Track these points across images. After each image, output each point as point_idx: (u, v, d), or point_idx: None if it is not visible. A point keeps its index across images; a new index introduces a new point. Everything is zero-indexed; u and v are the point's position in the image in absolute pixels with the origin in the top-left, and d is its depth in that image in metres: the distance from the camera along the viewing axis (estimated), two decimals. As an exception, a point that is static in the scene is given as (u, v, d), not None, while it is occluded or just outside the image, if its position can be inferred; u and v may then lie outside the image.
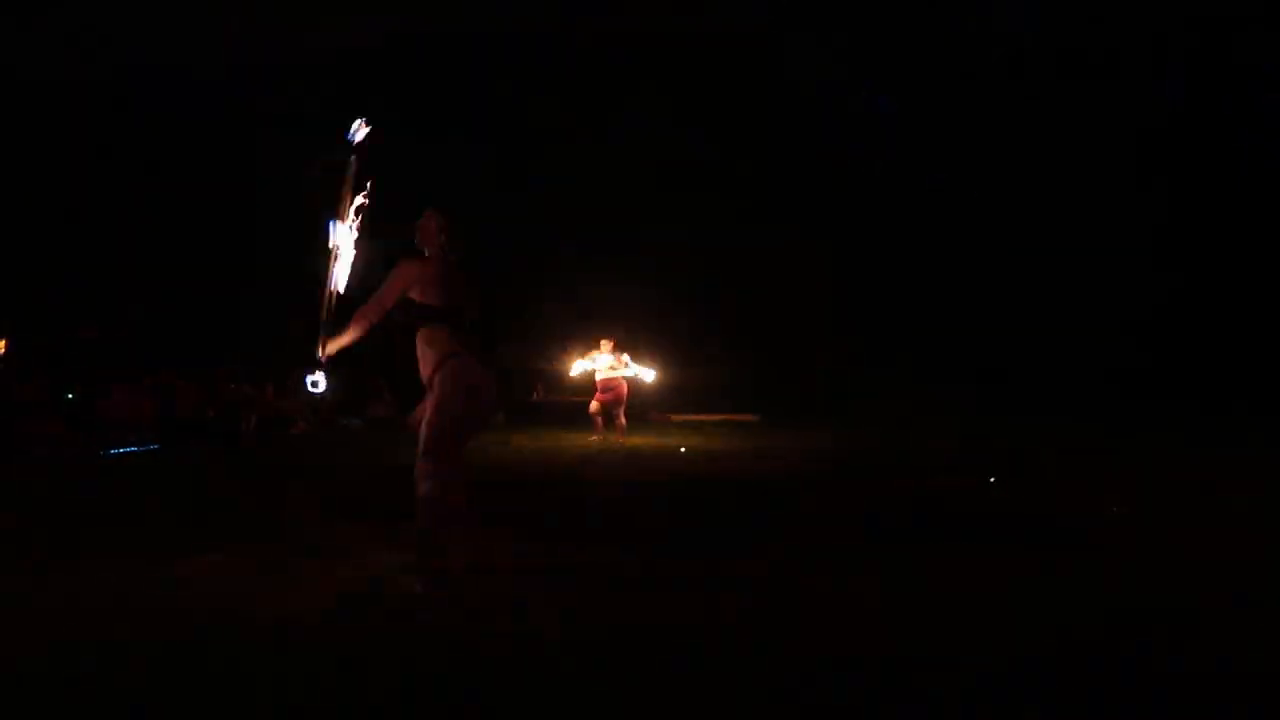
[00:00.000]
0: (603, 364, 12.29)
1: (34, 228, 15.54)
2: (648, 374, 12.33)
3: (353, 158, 4.20)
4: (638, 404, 13.74)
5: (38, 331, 12.20)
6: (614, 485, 7.62)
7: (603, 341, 12.40)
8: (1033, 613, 3.55)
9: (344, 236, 4.15)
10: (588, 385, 12.87)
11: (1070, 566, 4.35)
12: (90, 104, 16.42)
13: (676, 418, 17.62)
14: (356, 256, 4.20)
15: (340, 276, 4.14)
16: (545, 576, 4.09)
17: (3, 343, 12.28)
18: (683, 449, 10.87)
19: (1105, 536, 5.11)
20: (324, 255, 4.12)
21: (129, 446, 10.77)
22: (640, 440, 12.23)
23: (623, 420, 12.30)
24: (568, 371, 12.67)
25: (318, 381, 4.01)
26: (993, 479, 7.70)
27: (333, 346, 3.99)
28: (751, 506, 6.46)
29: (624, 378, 12.31)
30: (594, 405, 12.34)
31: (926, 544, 4.87)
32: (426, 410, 3.95)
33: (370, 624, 3.32)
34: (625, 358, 12.32)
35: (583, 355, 12.48)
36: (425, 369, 3.98)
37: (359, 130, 4.24)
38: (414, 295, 3.96)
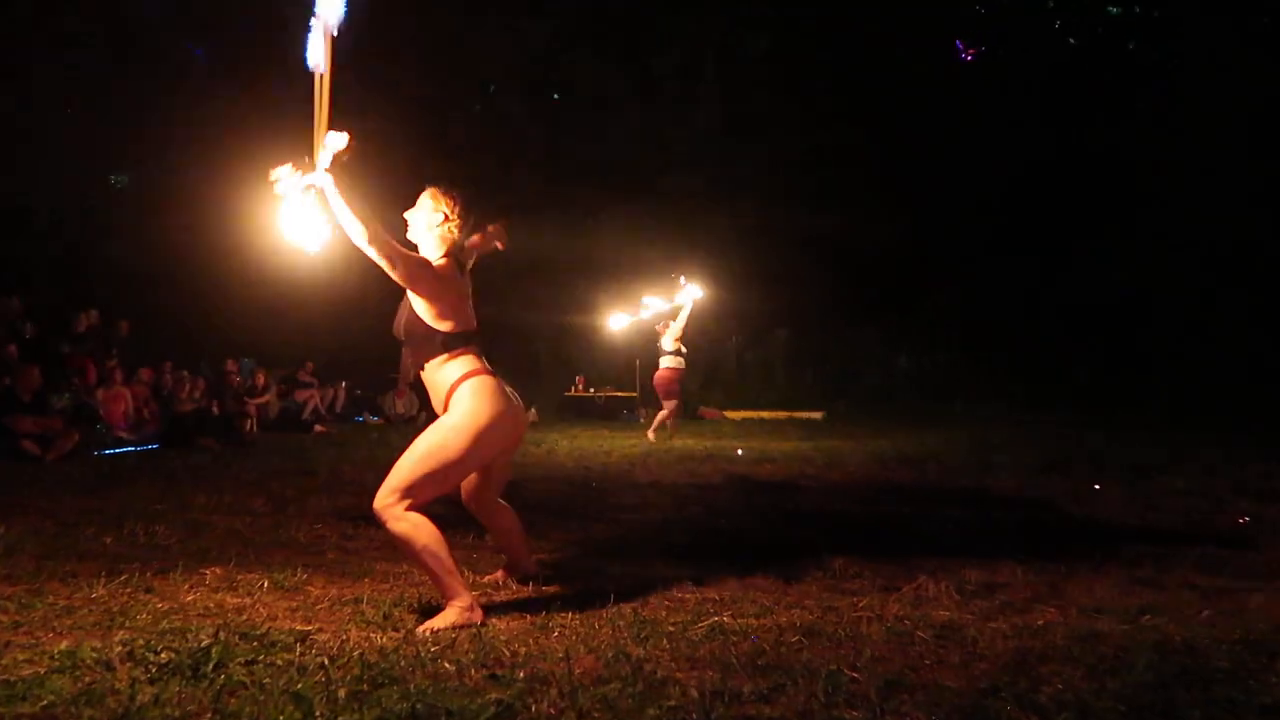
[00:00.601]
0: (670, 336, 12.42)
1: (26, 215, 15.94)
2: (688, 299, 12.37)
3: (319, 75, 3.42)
4: (687, 397, 13.82)
5: (31, 323, 12.47)
6: (664, 495, 7.60)
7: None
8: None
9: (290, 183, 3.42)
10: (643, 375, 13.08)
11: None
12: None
13: (732, 414, 17.58)
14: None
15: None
16: (578, 606, 4.07)
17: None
18: (739, 451, 10.84)
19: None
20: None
21: (126, 446, 11.00)
22: (691, 441, 12.21)
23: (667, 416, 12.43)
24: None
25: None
26: (1098, 486, 7.58)
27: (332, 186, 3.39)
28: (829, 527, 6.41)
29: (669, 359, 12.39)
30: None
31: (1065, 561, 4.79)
32: (424, 438, 3.74)
33: (393, 649, 3.34)
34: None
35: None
36: (440, 388, 3.83)
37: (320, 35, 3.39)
38: (423, 314, 3.78)
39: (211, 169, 14.84)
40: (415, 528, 3.63)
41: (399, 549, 3.81)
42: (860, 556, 4.83)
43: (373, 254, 3.57)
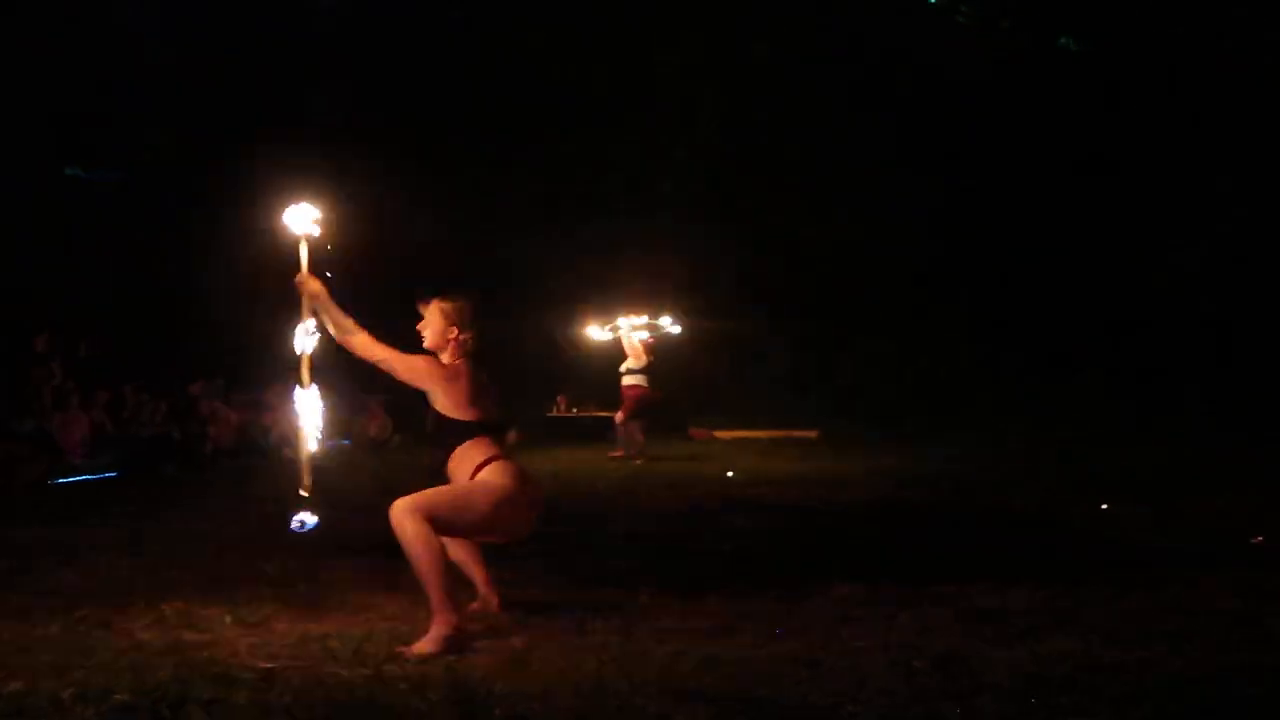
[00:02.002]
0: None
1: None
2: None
3: (303, 244, 4.12)
4: (671, 414, 13.86)
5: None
6: (650, 519, 7.56)
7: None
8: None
9: (306, 338, 4.07)
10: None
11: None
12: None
13: (723, 434, 17.51)
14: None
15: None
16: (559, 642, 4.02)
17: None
18: (730, 474, 10.79)
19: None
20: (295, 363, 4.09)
21: (83, 474, 10.89)
22: (679, 463, 12.17)
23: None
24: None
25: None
26: (1105, 505, 7.56)
27: (319, 313, 4.06)
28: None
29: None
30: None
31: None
32: (455, 484, 4.12)
33: (362, 686, 3.29)
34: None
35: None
36: (463, 469, 4.13)
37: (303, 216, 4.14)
38: (441, 407, 4.14)
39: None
40: (426, 533, 3.82)
41: (404, 549, 3.83)
42: (863, 582, 4.78)
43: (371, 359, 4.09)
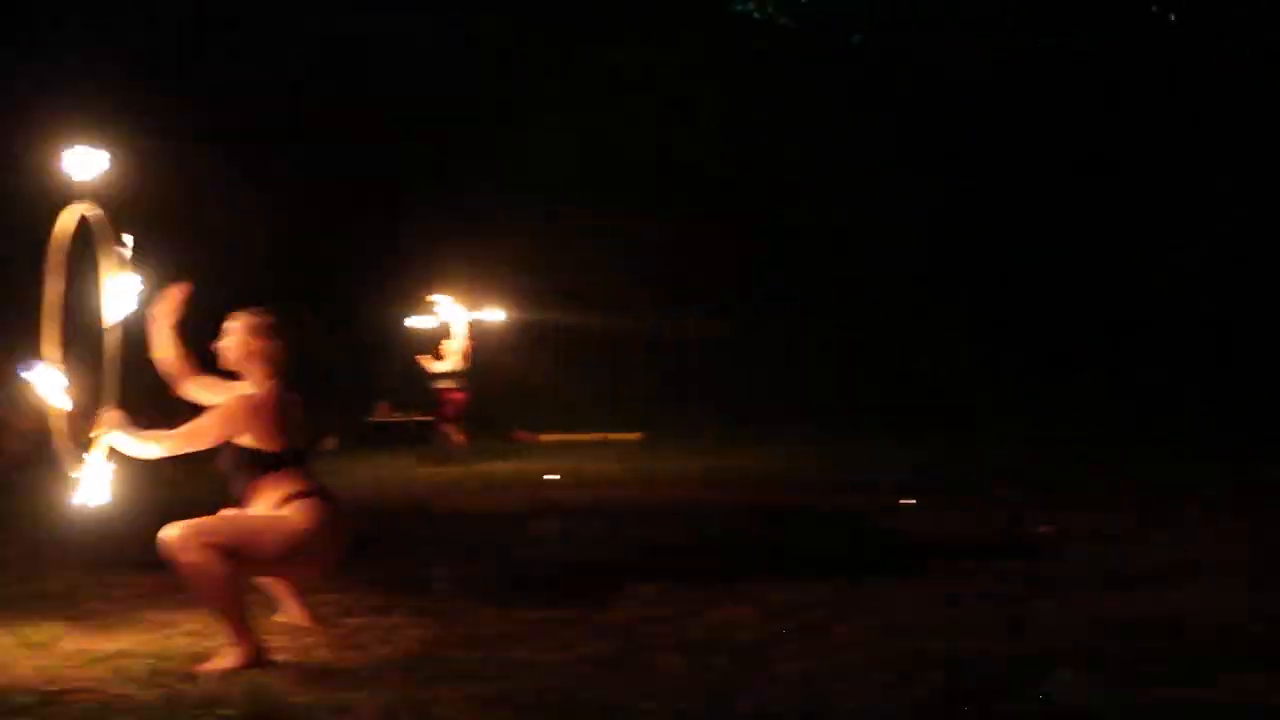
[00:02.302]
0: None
1: None
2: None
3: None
4: (492, 417, 13.83)
5: None
6: (466, 525, 7.58)
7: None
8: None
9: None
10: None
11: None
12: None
13: (546, 437, 17.56)
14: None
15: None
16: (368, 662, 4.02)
17: None
18: (552, 476, 10.87)
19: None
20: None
21: None
22: (498, 466, 12.18)
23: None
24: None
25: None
26: (903, 501, 7.99)
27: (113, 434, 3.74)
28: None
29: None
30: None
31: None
32: (249, 513, 3.84)
33: (157, 706, 3.22)
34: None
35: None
36: (264, 502, 3.87)
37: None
38: (242, 440, 3.84)
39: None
40: (207, 561, 3.60)
41: (187, 584, 3.71)
42: (670, 582, 4.96)
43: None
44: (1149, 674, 3.43)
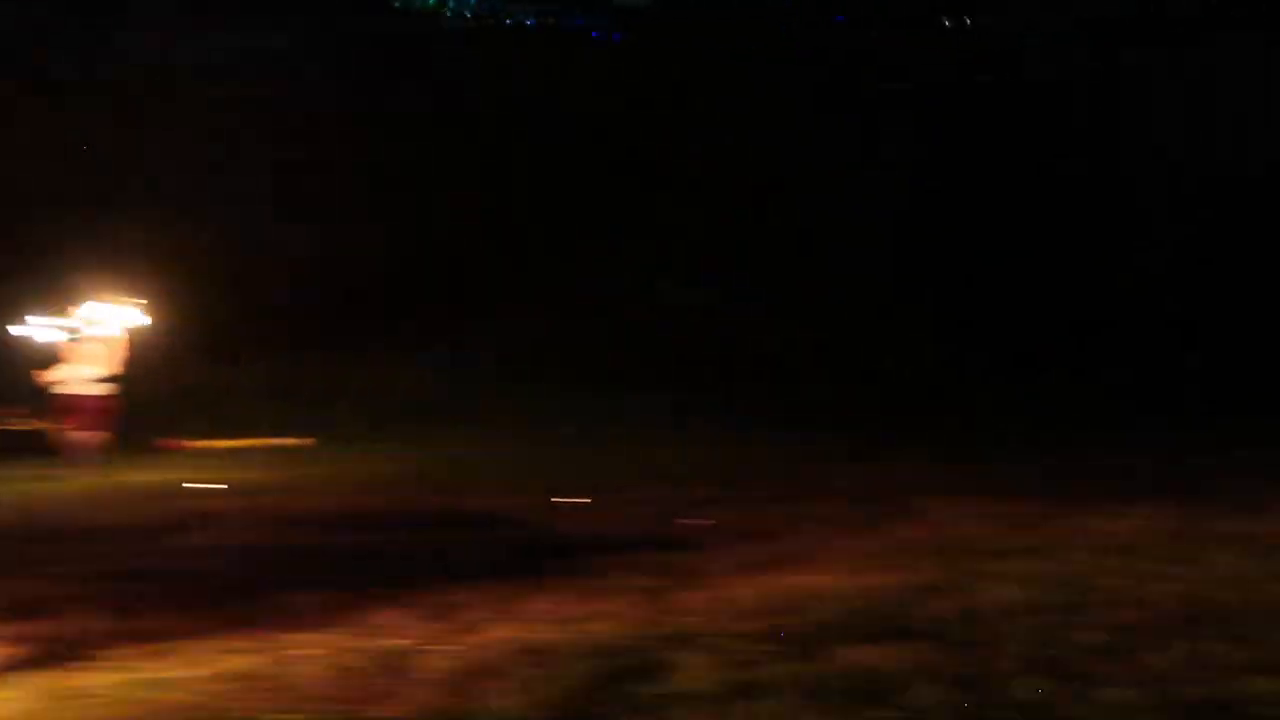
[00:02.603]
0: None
1: None
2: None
3: None
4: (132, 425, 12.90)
5: None
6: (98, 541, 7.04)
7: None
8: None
9: None
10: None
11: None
12: None
13: (197, 444, 16.44)
14: None
15: None
16: None
17: None
18: (195, 485, 10.23)
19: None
20: None
21: None
22: (140, 475, 11.34)
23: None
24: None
25: None
26: (555, 499, 8.15)
27: None
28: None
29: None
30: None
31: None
32: None
33: None
34: None
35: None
36: None
37: None
38: None
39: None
40: None
41: None
42: (319, 589, 4.86)
43: None
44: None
